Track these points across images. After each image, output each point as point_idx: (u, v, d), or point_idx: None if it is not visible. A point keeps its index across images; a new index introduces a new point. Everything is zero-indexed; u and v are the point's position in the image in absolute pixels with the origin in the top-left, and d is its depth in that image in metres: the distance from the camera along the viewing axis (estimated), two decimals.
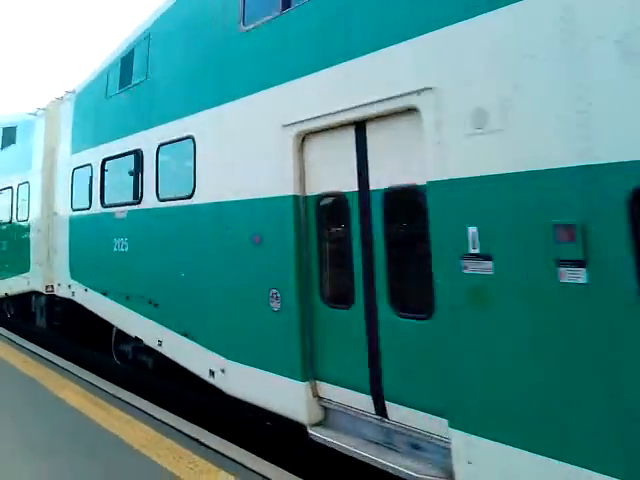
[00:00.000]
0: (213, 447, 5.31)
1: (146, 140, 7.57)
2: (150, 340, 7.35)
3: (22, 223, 12.42)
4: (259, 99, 5.66)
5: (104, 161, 8.69)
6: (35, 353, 9.97)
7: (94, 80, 9.42)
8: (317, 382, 5.07)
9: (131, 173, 8.07)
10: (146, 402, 6.89)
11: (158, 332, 7.14)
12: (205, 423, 6.14)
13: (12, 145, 13.40)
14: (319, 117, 5.02)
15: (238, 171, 5.85)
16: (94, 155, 9.01)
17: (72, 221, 9.73)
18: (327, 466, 5.08)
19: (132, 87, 8.10)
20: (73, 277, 9.61)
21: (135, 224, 7.76)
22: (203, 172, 6.43)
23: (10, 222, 13.08)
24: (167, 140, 7.13)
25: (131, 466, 4.88)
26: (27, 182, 12.08)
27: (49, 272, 11.07)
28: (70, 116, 10.08)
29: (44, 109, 11.50)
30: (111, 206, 8.43)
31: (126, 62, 8.35)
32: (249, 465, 4.90)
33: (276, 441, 5.61)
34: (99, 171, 8.79)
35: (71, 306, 10.18)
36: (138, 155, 7.75)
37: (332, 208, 5.13)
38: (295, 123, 5.22)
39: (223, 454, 5.15)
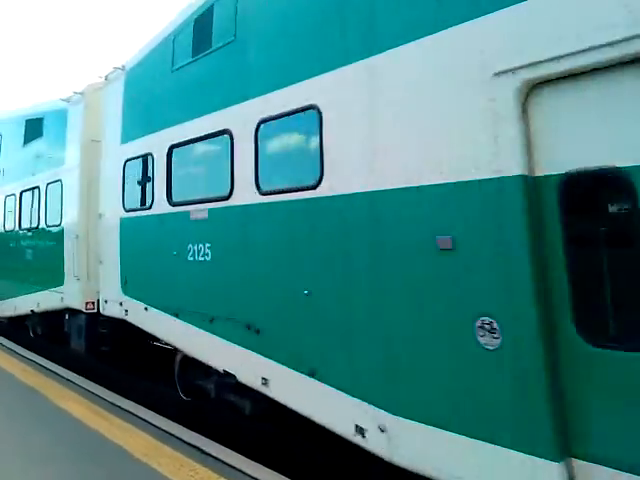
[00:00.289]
0: (214, 455, 5.27)
1: (238, 117, 5.84)
2: (248, 377, 5.58)
3: (53, 228, 10.68)
4: (445, 40, 3.93)
5: (171, 148, 6.95)
6: (34, 362, 9.76)
7: (152, 51, 7.72)
8: (575, 461, 3.30)
9: (214, 161, 6.35)
10: (147, 410, 6.80)
11: (262, 367, 5.38)
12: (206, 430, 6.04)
13: (38, 139, 11.70)
14: (568, 56, 3.29)
15: (409, 146, 4.11)
16: (156, 142, 7.29)
17: (124, 224, 7.99)
18: None
19: (213, 52, 6.38)
20: (127, 293, 7.86)
21: (222, 226, 6.02)
22: (337, 152, 4.69)
23: (37, 227, 11.35)
24: (272, 114, 5.40)
25: (133, 475, 4.87)
26: (59, 180, 10.36)
27: (90, 286, 9.33)
28: (119, 98, 8.36)
29: (81, 93, 9.78)
30: (184, 204, 6.69)
31: (202, 22, 6.63)
32: (249, 472, 4.86)
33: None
34: (164, 161, 7.06)
35: (117, 327, 8.48)
36: (226, 137, 6.01)
37: (594, 192, 3.39)
38: (521, 67, 3.49)
39: (224, 462, 5.11)
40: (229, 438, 5.95)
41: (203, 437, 5.80)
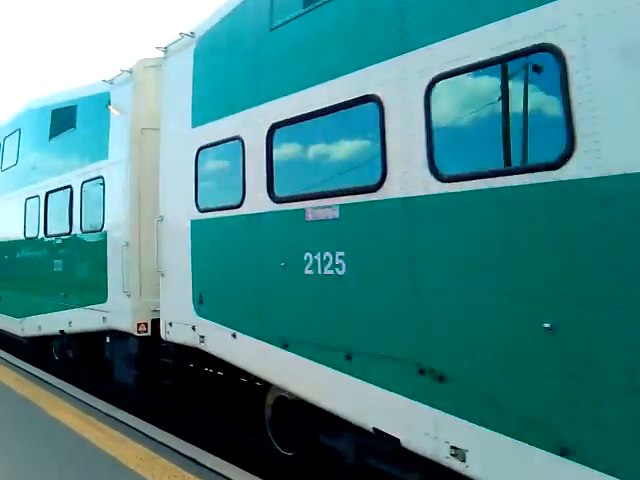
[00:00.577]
0: (208, 466, 5.16)
1: (392, 77, 4.21)
2: (423, 443, 3.91)
3: (91, 235, 9.02)
4: None
5: (274, 128, 5.32)
6: (27, 372, 9.67)
7: (236, 10, 6.09)
8: None
9: (347, 140, 4.73)
10: (141, 421, 6.69)
11: (450, 431, 3.72)
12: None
13: (69, 131, 10.03)
14: None
15: None
16: (248, 122, 5.66)
17: (198, 228, 6.34)
18: None
19: None
20: (203, 314, 6.19)
21: (368, 227, 4.37)
22: (608, 105, 3.06)
23: (69, 234, 9.67)
24: (457, 67, 3.77)
25: None
26: (100, 177, 8.70)
27: (143, 304, 7.68)
28: (187, 72, 6.71)
29: (129, 71, 8.14)
30: (295, 200, 5.05)
31: None
32: None
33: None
34: (262, 145, 5.42)
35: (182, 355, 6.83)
36: (370, 106, 4.38)
37: None
38: None
39: (219, 473, 5.01)
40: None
41: (198, 448, 5.66)
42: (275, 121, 5.29)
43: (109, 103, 8.62)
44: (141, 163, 7.89)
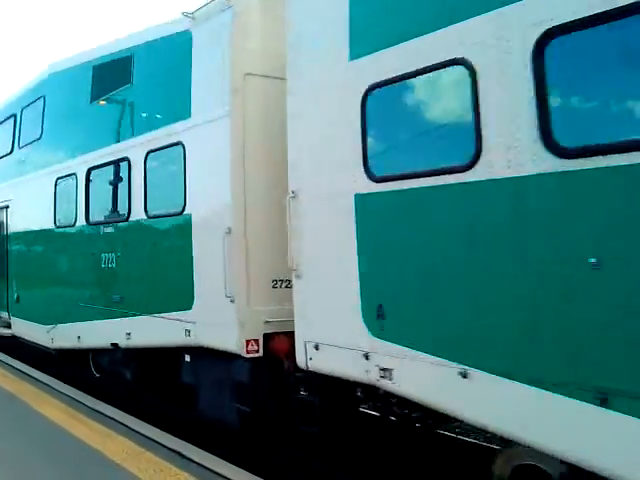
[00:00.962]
0: (195, 460, 5.07)
1: None
2: None
3: (162, 220, 6.86)
4: None
5: (554, 33, 3.18)
6: (13, 367, 9.76)
7: None
8: None
9: None
10: (127, 415, 6.57)
11: None
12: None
13: (122, 89, 7.83)
14: None
15: None
16: (490, 31, 3.52)
17: (373, 205, 4.19)
18: None
19: None
20: (386, 335, 4.06)
21: None
22: None
23: (126, 220, 7.50)
24: None
25: (109, 479, 4.78)
26: (178, 144, 6.50)
27: (253, 314, 5.53)
28: None
29: None
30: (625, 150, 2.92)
31: None
32: (232, 477, 4.67)
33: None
34: (525, 64, 3.28)
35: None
36: None
37: None
38: None
39: (205, 466, 4.89)
40: None
41: (184, 442, 5.55)
42: (559, 23, 3.15)
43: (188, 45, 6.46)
44: (244, 120, 5.73)
